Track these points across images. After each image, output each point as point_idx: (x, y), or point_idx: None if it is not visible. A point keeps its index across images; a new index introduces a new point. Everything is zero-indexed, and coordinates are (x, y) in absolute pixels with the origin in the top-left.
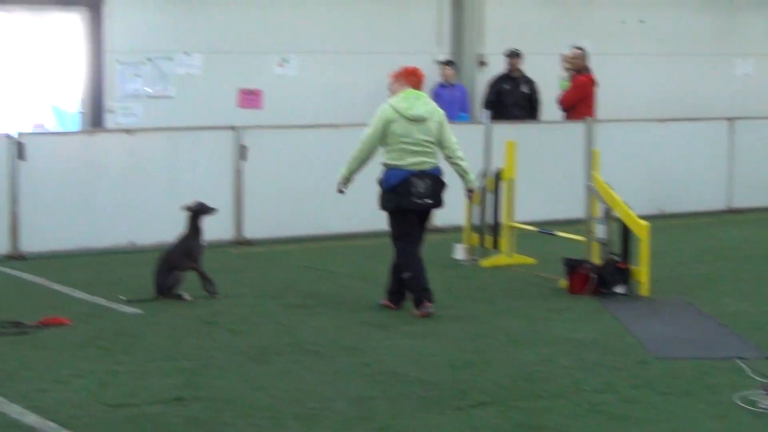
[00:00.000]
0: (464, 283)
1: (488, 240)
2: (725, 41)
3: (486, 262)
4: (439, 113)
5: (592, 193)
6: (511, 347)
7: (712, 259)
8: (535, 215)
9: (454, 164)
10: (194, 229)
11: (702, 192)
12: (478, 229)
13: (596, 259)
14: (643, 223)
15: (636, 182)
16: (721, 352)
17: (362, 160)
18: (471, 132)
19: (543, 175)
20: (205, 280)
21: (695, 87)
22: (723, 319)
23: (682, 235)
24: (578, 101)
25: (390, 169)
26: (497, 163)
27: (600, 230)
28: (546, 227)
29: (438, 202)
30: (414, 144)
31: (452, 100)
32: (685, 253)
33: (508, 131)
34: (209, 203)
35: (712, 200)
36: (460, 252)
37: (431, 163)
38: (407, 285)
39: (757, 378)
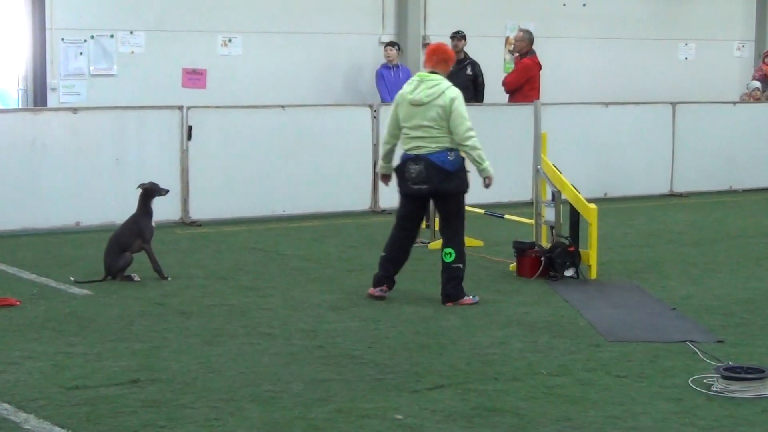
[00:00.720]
0: (413, 265)
1: (436, 222)
2: (668, 26)
3: (434, 245)
4: (447, 97)
5: (541, 175)
6: (464, 330)
7: (658, 243)
8: (480, 198)
9: (464, 152)
10: (145, 209)
11: (645, 176)
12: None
13: (545, 242)
14: (592, 206)
15: (580, 165)
16: (673, 336)
17: (385, 143)
18: None
19: (489, 157)
20: (154, 262)
21: (638, 71)
22: (672, 302)
23: (627, 219)
24: (523, 84)
25: (403, 153)
26: None
27: (549, 213)
28: (491, 210)
29: (435, 188)
30: (413, 128)
31: (396, 81)
32: (631, 236)
33: None
34: (161, 184)
35: (656, 184)
36: None
37: (430, 147)
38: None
39: (710, 361)
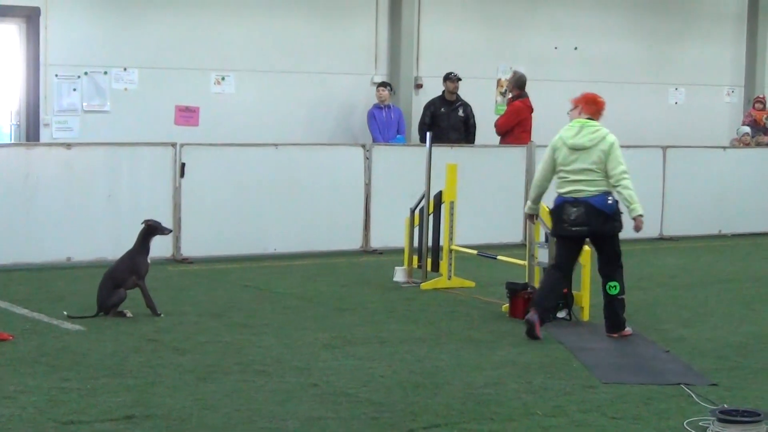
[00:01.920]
0: (406, 305)
1: (428, 263)
2: (658, 70)
3: (426, 285)
4: (608, 142)
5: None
6: (459, 370)
7: (650, 286)
8: (472, 239)
9: (617, 193)
10: (144, 246)
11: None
12: (418, 251)
13: (538, 283)
14: (585, 248)
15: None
16: (667, 378)
17: (537, 187)
18: (409, 154)
19: (480, 199)
20: (148, 298)
21: (629, 114)
22: (665, 345)
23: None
24: (513, 126)
25: (556, 196)
26: (436, 185)
27: (542, 255)
28: (484, 251)
29: (595, 230)
30: (573, 172)
31: (388, 121)
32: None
33: (446, 154)
34: (164, 224)
35: (646, 227)
36: (400, 274)
37: (590, 191)
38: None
39: (704, 404)
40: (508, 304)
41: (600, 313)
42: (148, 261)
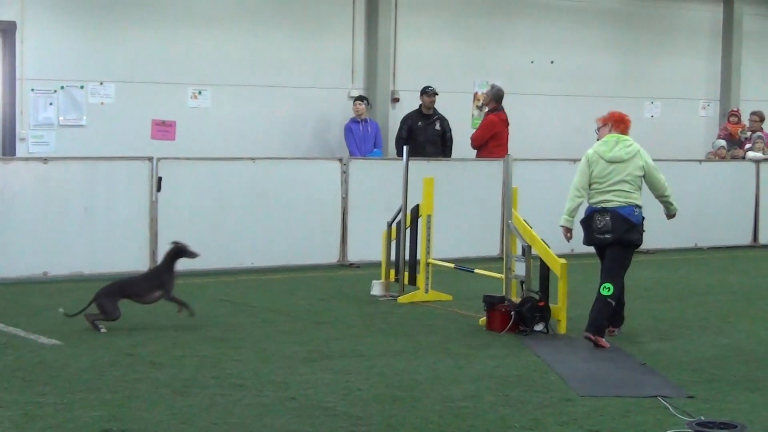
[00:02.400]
0: (383, 318)
1: (406, 276)
2: (634, 84)
3: (403, 299)
4: (644, 156)
5: (512, 230)
6: (436, 383)
7: (627, 299)
8: (449, 252)
9: (663, 198)
10: (170, 266)
11: None
12: (395, 265)
13: (515, 296)
14: (562, 260)
15: (548, 221)
16: (644, 391)
17: (572, 199)
18: (387, 168)
19: (457, 213)
20: (181, 302)
21: None
22: (642, 357)
23: (595, 274)
24: (488, 140)
25: (588, 207)
26: (413, 199)
27: (518, 268)
28: (461, 264)
29: (619, 238)
30: (607, 184)
31: (365, 135)
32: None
33: (423, 168)
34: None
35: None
36: (377, 288)
37: (618, 202)
38: None
39: (681, 416)
40: (485, 318)
41: (578, 325)
42: (173, 276)
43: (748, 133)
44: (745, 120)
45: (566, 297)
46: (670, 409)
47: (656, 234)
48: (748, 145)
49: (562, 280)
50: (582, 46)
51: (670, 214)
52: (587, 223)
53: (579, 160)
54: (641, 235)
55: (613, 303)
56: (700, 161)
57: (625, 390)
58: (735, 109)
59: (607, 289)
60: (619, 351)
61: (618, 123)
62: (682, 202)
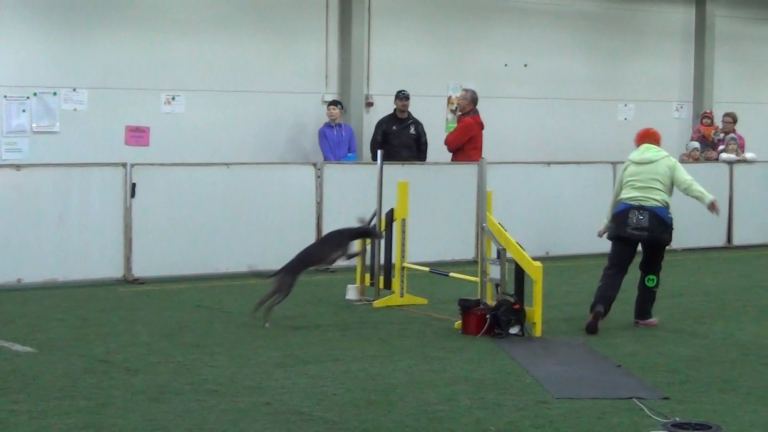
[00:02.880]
0: (359, 323)
1: (381, 280)
2: (608, 87)
3: (379, 303)
4: (671, 159)
5: (487, 233)
6: (412, 387)
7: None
8: (424, 256)
9: (691, 195)
10: (352, 236)
11: (587, 234)
12: (370, 269)
13: (490, 300)
14: (537, 264)
15: (522, 224)
16: (620, 393)
17: (612, 205)
18: (361, 172)
19: (432, 216)
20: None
21: (579, 131)
22: (617, 359)
23: (570, 277)
24: (464, 143)
25: (618, 203)
26: (388, 203)
27: (494, 271)
28: (436, 267)
29: (655, 236)
30: (639, 181)
31: (339, 140)
32: (574, 294)
33: (398, 172)
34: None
35: (597, 242)
36: (352, 292)
37: (655, 201)
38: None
39: (657, 418)
40: (460, 321)
41: (553, 328)
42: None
43: (722, 135)
44: (718, 122)
45: (541, 300)
46: (646, 410)
47: None
48: (721, 147)
49: (537, 283)
50: (555, 50)
51: (709, 204)
52: (622, 217)
53: (553, 162)
54: (671, 234)
55: (657, 291)
56: None
57: (600, 392)
58: (708, 111)
59: (651, 281)
60: (594, 353)
61: (647, 138)
62: None
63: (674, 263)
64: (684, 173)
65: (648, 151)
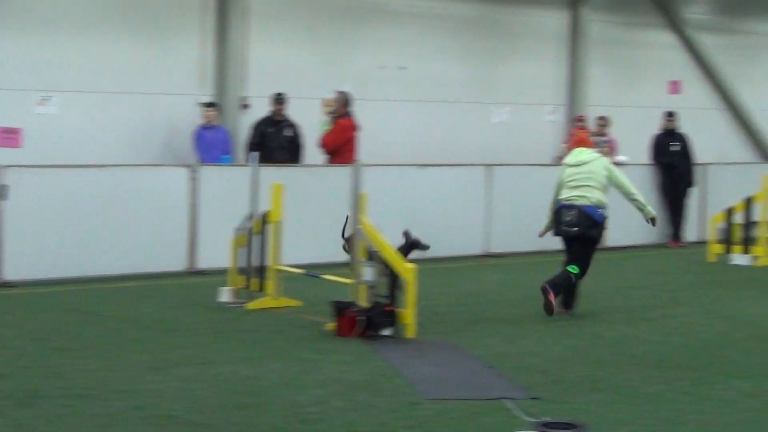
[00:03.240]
0: (232, 325)
1: (254, 283)
2: (483, 89)
3: (252, 305)
4: (603, 160)
5: (360, 236)
6: (284, 389)
7: (475, 302)
8: (300, 258)
9: (631, 201)
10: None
11: (461, 236)
12: (244, 271)
13: (364, 301)
14: (409, 266)
15: (397, 226)
16: (490, 393)
17: (551, 207)
18: (236, 175)
19: (308, 219)
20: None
21: (455, 133)
22: (489, 360)
23: (444, 279)
24: (340, 145)
25: (558, 202)
26: (263, 205)
27: (367, 273)
28: (311, 270)
29: (582, 231)
30: (573, 181)
31: (214, 142)
32: (447, 296)
33: (273, 174)
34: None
35: (471, 244)
36: (226, 295)
37: (586, 198)
38: None
39: (527, 418)
40: (334, 323)
41: (426, 329)
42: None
43: (596, 138)
44: (591, 125)
45: (414, 302)
46: (516, 410)
47: (505, 237)
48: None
49: (411, 285)
50: (431, 52)
51: (648, 218)
52: (557, 216)
53: (428, 165)
54: (602, 231)
55: (576, 281)
56: (547, 165)
57: (471, 393)
58: (582, 115)
59: (574, 269)
60: (465, 354)
61: (578, 144)
62: (530, 206)
63: (547, 264)
64: (621, 177)
65: (581, 153)
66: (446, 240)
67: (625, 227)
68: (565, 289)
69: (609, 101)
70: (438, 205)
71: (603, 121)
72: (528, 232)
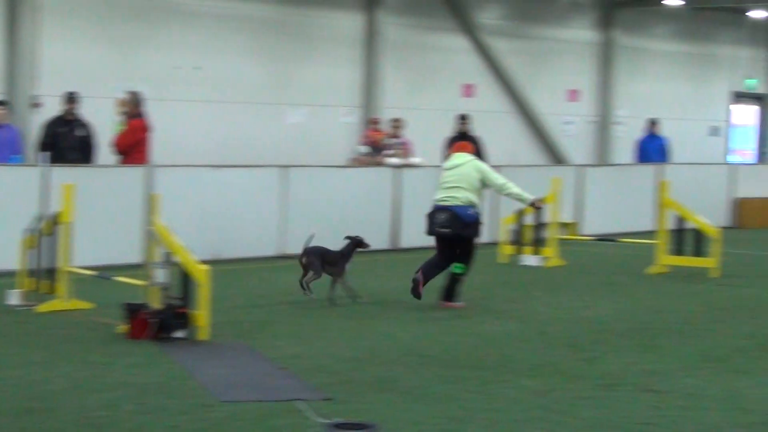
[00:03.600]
0: (21, 329)
1: (44, 285)
2: (279, 90)
3: (42, 308)
4: (475, 163)
5: (152, 237)
6: (73, 393)
7: (269, 304)
8: (92, 260)
9: (507, 195)
10: (348, 254)
11: (257, 238)
12: (34, 273)
13: (156, 303)
14: (202, 267)
15: (192, 228)
16: (282, 394)
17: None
18: (26, 175)
19: (100, 220)
20: (348, 288)
21: (251, 134)
22: (282, 362)
23: (239, 280)
24: (132, 145)
25: (434, 202)
26: (54, 206)
27: (160, 275)
28: (104, 272)
29: (456, 232)
30: (447, 183)
31: (4, 141)
32: (241, 297)
33: (65, 174)
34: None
35: (267, 246)
36: (15, 297)
37: (457, 199)
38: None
39: (318, 418)
40: (125, 325)
41: (219, 331)
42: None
43: (391, 140)
44: (386, 127)
45: (208, 303)
46: (308, 411)
47: (301, 239)
48: (388, 152)
49: (204, 287)
50: (228, 53)
51: (528, 205)
52: (431, 216)
53: (223, 166)
54: (476, 229)
55: (464, 278)
56: (343, 167)
57: (264, 394)
58: (377, 117)
59: (459, 267)
60: (258, 356)
61: (457, 149)
62: (326, 207)
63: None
64: (495, 175)
65: (456, 158)
66: (241, 241)
67: (421, 228)
68: (456, 286)
69: (404, 103)
70: (232, 206)
71: (397, 123)
72: (325, 232)
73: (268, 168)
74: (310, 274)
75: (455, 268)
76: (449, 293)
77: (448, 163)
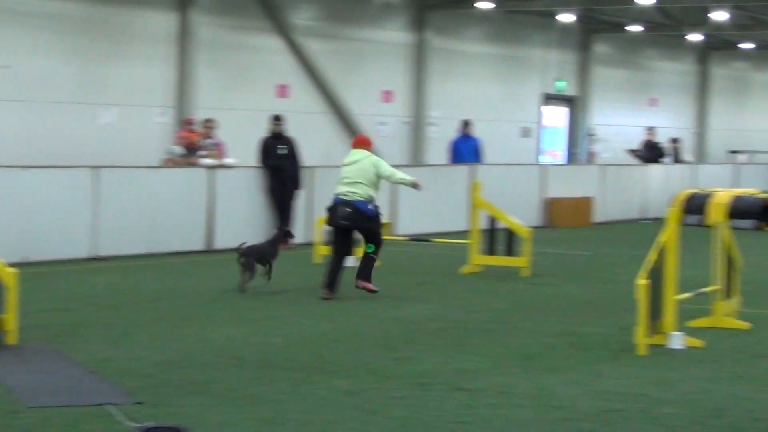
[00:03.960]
0: None
1: None
2: (91, 90)
3: None
4: (372, 158)
5: None
6: None
7: (78, 307)
8: None
9: (396, 182)
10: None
11: (66, 239)
12: None
13: None
14: (11, 270)
15: (5, 230)
16: (92, 399)
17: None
18: None
19: None
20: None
21: (61, 134)
22: (92, 365)
23: (48, 283)
24: None
25: (334, 195)
26: None
27: None
28: None
29: (358, 225)
30: (347, 178)
31: None
32: (51, 301)
33: None
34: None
35: (77, 248)
36: None
37: (357, 194)
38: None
39: (130, 423)
40: None
41: (28, 335)
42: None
43: (205, 141)
44: (200, 127)
45: (15, 307)
46: (119, 415)
47: (113, 241)
48: (202, 152)
49: (11, 290)
50: (37, 51)
51: (409, 186)
52: (333, 209)
53: (32, 166)
54: (377, 222)
55: (376, 257)
56: (156, 168)
57: (74, 399)
58: (191, 117)
59: (370, 247)
60: (68, 360)
61: (361, 144)
62: (138, 208)
63: (155, 267)
64: (385, 167)
65: (355, 154)
66: (51, 243)
67: (235, 229)
68: (369, 266)
69: (218, 104)
70: (42, 207)
71: (210, 124)
72: (136, 234)
73: (79, 169)
74: (247, 275)
75: (368, 248)
76: (366, 273)
77: (347, 159)
